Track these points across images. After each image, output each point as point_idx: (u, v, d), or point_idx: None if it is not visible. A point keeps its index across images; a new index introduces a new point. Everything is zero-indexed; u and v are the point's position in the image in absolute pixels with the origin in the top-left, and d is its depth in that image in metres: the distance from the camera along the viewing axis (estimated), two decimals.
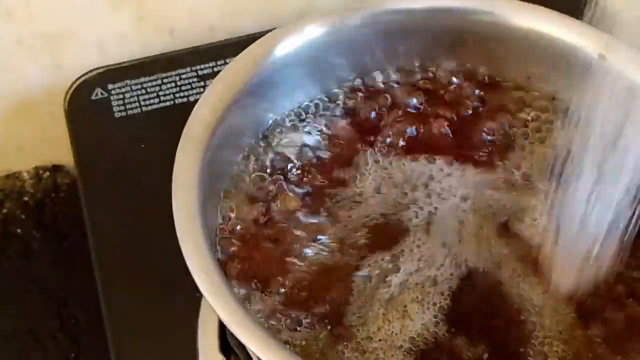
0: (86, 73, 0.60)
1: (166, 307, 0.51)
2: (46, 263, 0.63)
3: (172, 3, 0.63)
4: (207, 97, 0.44)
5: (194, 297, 0.49)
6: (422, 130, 0.47)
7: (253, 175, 0.46)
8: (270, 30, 0.48)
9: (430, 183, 0.45)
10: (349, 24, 0.46)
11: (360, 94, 0.48)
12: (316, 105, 0.48)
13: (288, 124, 0.47)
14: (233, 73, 0.45)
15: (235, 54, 0.61)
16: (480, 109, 0.48)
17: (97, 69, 0.61)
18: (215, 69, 0.61)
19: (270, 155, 0.46)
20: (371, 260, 0.43)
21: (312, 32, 0.46)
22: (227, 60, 0.61)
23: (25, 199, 0.66)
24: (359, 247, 0.43)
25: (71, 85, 0.60)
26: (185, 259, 0.39)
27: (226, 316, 0.37)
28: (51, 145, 0.66)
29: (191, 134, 0.43)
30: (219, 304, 0.37)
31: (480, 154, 0.47)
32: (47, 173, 0.67)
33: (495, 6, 0.46)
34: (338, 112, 0.48)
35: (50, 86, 0.63)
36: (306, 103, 0.48)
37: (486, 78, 0.49)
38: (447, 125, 0.47)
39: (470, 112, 0.48)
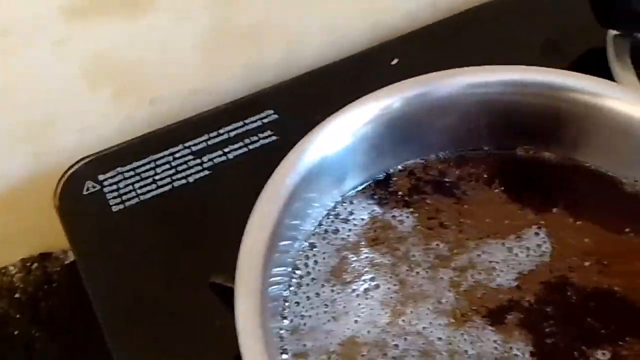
0: (73, 165, 0.56)
1: None
2: None
3: (150, 71, 0.60)
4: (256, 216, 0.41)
5: None
6: None
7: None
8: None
9: None
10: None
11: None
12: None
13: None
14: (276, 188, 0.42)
15: (226, 122, 0.59)
16: None
17: (84, 158, 0.57)
18: (210, 142, 0.58)
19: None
20: None
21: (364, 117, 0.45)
22: (220, 131, 0.58)
23: (17, 295, 0.62)
24: None
25: (59, 181, 0.56)
26: None
27: None
28: (37, 235, 0.63)
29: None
30: None
31: None
32: (35, 264, 0.63)
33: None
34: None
35: (33, 175, 0.60)
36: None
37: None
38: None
39: None
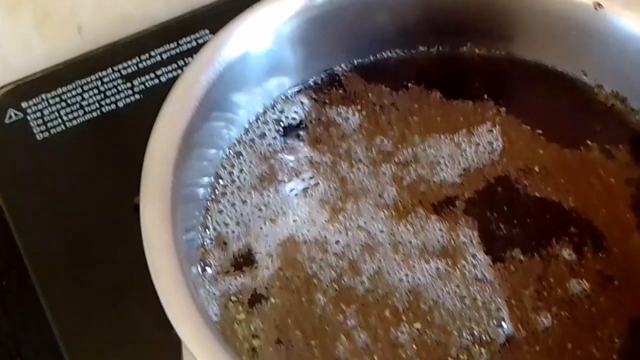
0: None
1: (121, 318, 0.46)
2: None
3: None
4: (165, 112, 0.37)
5: (149, 305, 0.43)
6: None
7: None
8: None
9: None
10: None
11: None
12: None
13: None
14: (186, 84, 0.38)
15: (158, 43, 0.55)
16: None
17: (5, 86, 0.53)
18: (140, 65, 0.54)
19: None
20: None
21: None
22: (152, 53, 0.54)
23: None
24: None
25: None
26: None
27: None
28: None
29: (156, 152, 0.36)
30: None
31: None
32: None
33: None
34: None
35: None
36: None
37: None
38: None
39: None
